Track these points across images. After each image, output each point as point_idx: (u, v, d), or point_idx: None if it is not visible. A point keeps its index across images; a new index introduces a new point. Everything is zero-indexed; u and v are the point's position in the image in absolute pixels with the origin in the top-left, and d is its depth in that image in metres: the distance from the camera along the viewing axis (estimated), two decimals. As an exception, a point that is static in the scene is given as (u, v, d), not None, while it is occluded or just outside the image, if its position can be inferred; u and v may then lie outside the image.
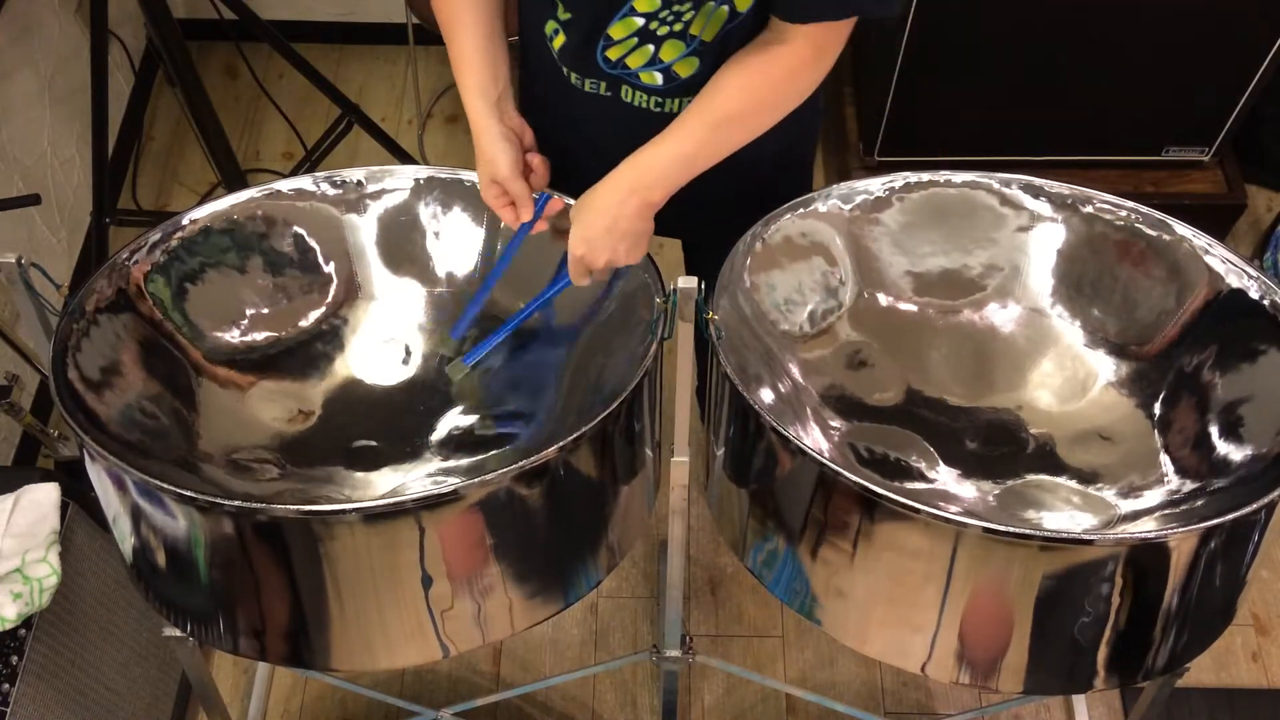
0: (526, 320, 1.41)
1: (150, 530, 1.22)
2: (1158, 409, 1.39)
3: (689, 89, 1.30)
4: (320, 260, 1.48)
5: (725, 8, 1.22)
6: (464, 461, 1.40)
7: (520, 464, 1.15)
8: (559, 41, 1.32)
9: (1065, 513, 1.36)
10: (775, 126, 1.35)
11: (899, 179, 1.45)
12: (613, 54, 1.29)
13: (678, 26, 1.24)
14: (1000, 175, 1.45)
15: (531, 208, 1.36)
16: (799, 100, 1.27)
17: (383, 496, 1.35)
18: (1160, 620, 1.22)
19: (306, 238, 1.47)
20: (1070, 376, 1.45)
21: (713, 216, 1.39)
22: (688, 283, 1.21)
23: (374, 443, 1.42)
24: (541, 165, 1.36)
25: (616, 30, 1.26)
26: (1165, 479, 1.34)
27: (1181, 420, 1.37)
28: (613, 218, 1.28)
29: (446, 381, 1.46)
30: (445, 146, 2.78)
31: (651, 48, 1.27)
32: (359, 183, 1.47)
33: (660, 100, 1.33)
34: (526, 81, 1.48)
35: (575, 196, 1.36)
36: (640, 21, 1.24)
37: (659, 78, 1.30)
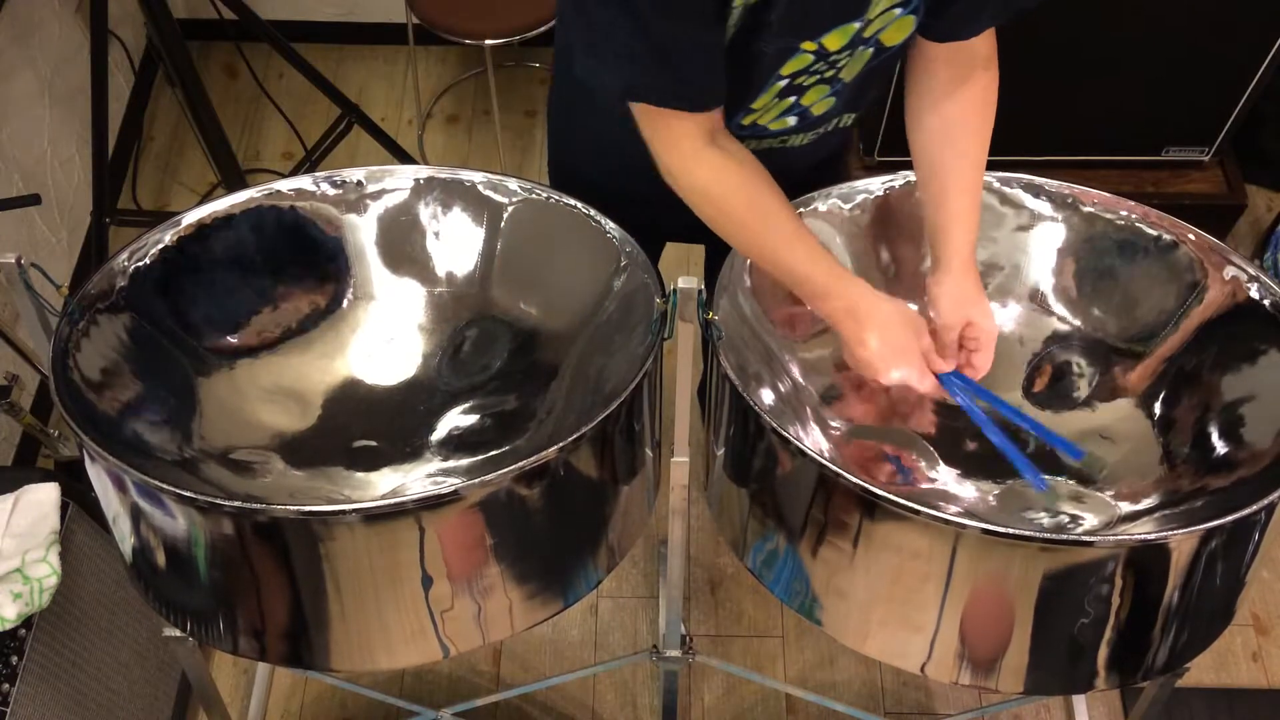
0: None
1: (150, 530, 1.22)
2: (1158, 409, 1.39)
3: (818, 124, 1.30)
4: (320, 260, 1.48)
5: (871, 49, 1.19)
6: (464, 461, 1.40)
7: (520, 464, 1.15)
8: None
9: (1065, 512, 1.35)
10: (825, 141, 1.36)
11: (899, 178, 1.45)
12: (749, 120, 1.25)
13: (829, 74, 1.20)
14: (1000, 174, 1.45)
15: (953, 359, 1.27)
16: None
17: (383, 496, 1.35)
18: (1160, 620, 1.22)
19: (306, 237, 1.47)
20: (1070, 376, 1.45)
21: None
22: (688, 283, 1.21)
23: (374, 443, 1.42)
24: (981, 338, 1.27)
25: (761, 100, 1.22)
26: (1165, 479, 1.34)
27: (1182, 420, 1.37)
28: (980, 290, 1.28)
29: (447, 381, 1.46)
30: (445, 146, 2.78)
31: (793, 98, 1.23)
32: (359, 183, 1.46)
33: (785, 139, 1.31)
34: (574, 117, 1.43)
35: (643, 231, 1.36)
36: (784, 83, 1.20)
37: (792, 121, 1.27)
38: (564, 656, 2.12)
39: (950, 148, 1.27)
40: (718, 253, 1.59)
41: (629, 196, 1.37)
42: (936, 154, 1.27)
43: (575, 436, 1.18)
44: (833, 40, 1.14)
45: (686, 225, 1.46)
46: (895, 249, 1.48)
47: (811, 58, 1.16)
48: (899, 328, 1.22)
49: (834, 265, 1.23)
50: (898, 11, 1.15)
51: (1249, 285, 1.34)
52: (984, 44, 1.24)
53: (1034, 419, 1.33)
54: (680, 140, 1.15)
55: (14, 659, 1.52)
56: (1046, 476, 1.34)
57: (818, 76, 1.21)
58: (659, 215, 1.37)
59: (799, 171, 1.40)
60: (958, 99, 1.25)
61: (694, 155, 1.16)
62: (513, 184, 1.44)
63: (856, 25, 1.13)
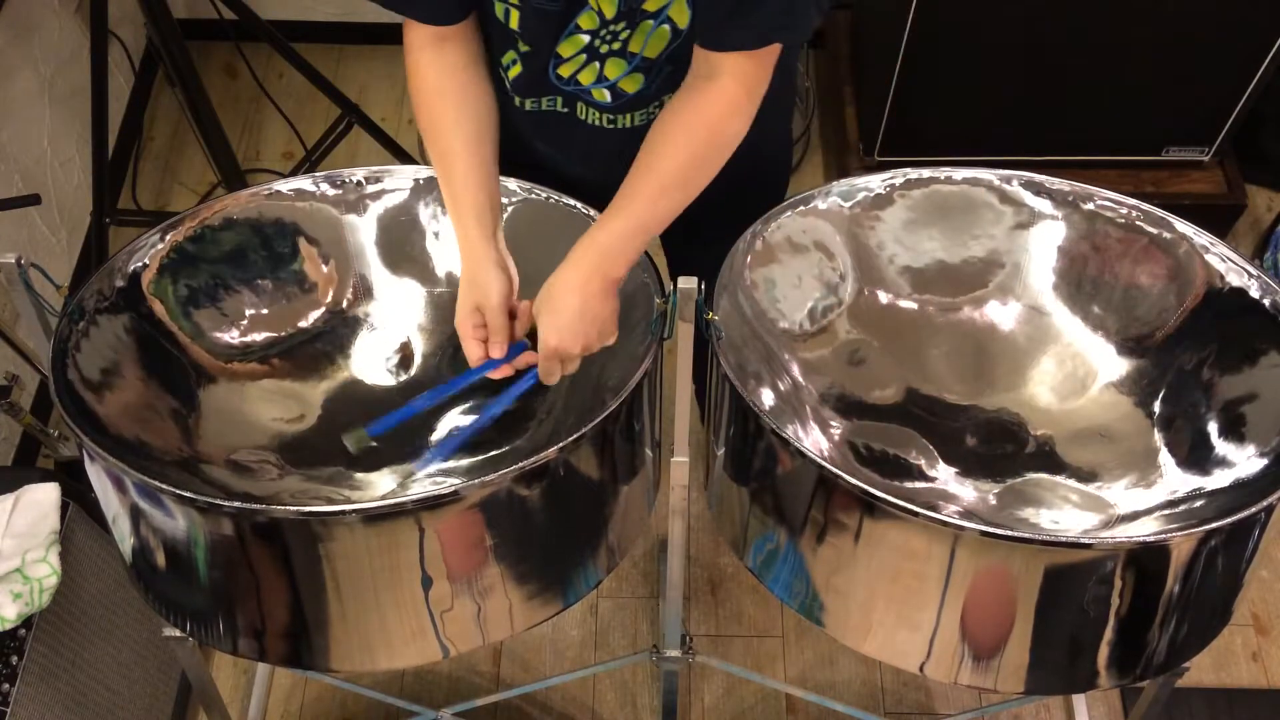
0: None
1: (150, 531, 1.22)
2: (1157, 408, 1.39)
3: (636, 105, 1.31)
4: (320, 260, 1.48)
5: (666, 26, 1.21)
6: (464, 462, 1.40)
7: (520, 464, 1.15)
8: (515, 72, 1.32)
9: (1065, 511, 1.35)
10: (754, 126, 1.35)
11: (899, 176, 1.45)
12: (564, 71, 1.29)
13: (616, 45, 1.24)
14: (1001, 172, 1.45)
15: (505, 347, 1.28)
16: (734, 144, 1.25)
17: (383, 497, 1.35)
18: (1159, 620, 1.22)
19: (306, 238, 1.47)
20: (1070, 374, 1.45)
21: (687, 217, 1.38)
22: (688, 283, 1.21)
23: (374, 443, 1.42)
24: (526, 312, 1.29)
25: (565, 48, 1.26)
26: (1165, 478, 1.34)
27: (1181, 419, 1.37)
28: (581, 302, 1.23)
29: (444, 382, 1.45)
30: (445, 146, 2.78)
31: (597, 65, 1.27)
32: (359, 183, 1.46)
33: (612, 117, 1.33)
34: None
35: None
36: (586, 39, 1.24)
37: (607, 95, 1.30)
38: (564, 656, 2.12)
39: (652, 140, 1.24)
40: (680, 253, 1.59)
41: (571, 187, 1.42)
42: (649, 140, 1.25)
43: (575, 436, 1.18)
44: (607, 5, 1.19)
45: None
46: (898, 247, 1.48)
47: (597, 19, 1.21)
48: (463, 291, 1.29)
49: (470, 206, 1.28)
50: None
51: (1249, 285, 1.34)
52: (729, 62, 1.20)
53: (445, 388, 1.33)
54: (410, 43, 1.31)
55: (14, 659, 1.52)
56: (1045, 475, 1.34)
57: (609, 46, 1.24)
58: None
59: (741, 162, 1.39)
60: (688, 96, 1.23)
61: (414, 56, 1.30)
62: (512, 184, 1.44)
63: None
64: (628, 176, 1.25)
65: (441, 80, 1.29)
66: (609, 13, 1.21)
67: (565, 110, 1.34)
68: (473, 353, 1.29)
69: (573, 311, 1.24)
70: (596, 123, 1.34)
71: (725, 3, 1.15)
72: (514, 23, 1.25)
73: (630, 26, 1.22)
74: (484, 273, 1.28)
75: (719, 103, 1.22)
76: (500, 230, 1.32)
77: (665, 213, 1.25)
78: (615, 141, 1.34)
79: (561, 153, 1.41)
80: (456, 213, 1.30)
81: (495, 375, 1.30)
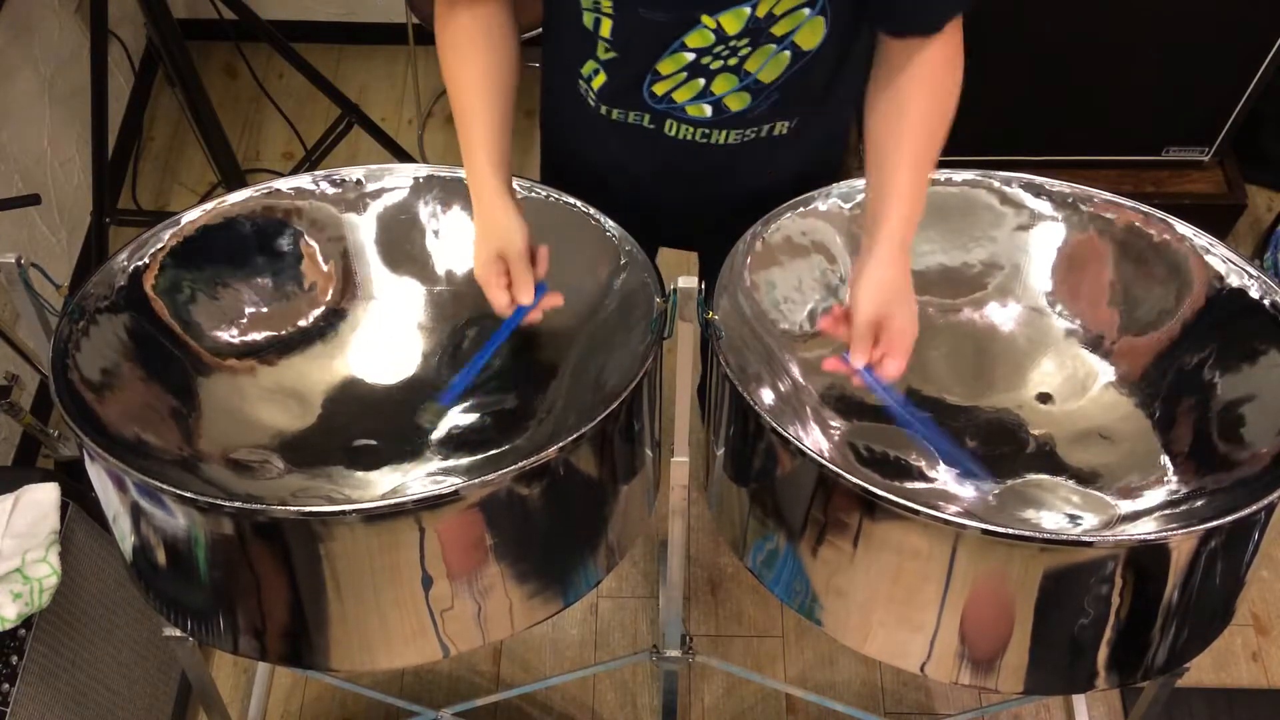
0: (523, 323, 1.40)
1: (150, 530, 1.22)
2: (1158, 408, 1.39)
3: (735, 124, 1.29)
4: (320, 259, 1.48)
5: (788, 52, 1.20)
6: (464, 461, 1.40)
7: (520, 464, 1.15)
8: (599, 81, 1.29)
9: (1065, 512, 1.35)
10: (807, 148, 1.36)
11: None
12: (659, 89, 1.27)
13: (732, 61, 1.22)
14: (1000, 174, 1.45)
15: (532, 292, 1.27)
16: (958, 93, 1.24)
17: (383, 496, 1.35)
18: (1159, 620, 1.22)
19: (306, 237, 1.47)
20: (1070, 376, 1.45)
21: (736, 233, 1.39)
22: (688, 283, 1.21)
23: (374, 442, 1.42)
24: (545, 255, 1.30)
25: (665, 66, 1.24)
26: (1165, 479, 1.34)
27: (1181, 420, 1.37)
28: (907, 281, 1.21)
29: (447, 380, 1.45)
30: (445, 146, 2.78)
31: (702, 81, 1.25)
32: (358, 181, 1.47)
33: (707, 132, 1.31)
34: (555, 104, 1.45)
35: (634, 236, 1.36)
36: (691, 57, 1.22)
37: (708, 110, 1.28)
38: (564, 656, 2.12)
39: (896, 127, 1.22)
40: (712, 260, 1.60)
41: (618, 202, 1.40)
42: (883, 134, 1.24)
43: (575, 436, 1.18)
44: (729, 22, 1.17)
45: (677, 232, 1.47)
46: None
47: (713, 37, 1.19)
48: (482, 240, 1.27)
49: (486, 156, 1.27)
50: (806, 12, 1.16)
51: (1249, 285, 1.34)
52: (940, 44, 1.19)
53: (942, 437, 1.31)
54: (438, 5, 1.26)
55: (14, 659, 1.52)
56: (1045, 476, 1.34)
57: (722, 62, 1.22)
58: (648, 220, 1.38)
59: (790, 179, 1.41)
60: (911, 83, 1.21)
61: (442, 17, 1.26)
62: (513, 183, 1.44)
63: (747, 10, 1.15)
64: (881, 164, 1.23)
65: (474, 29, 1.26)
66: (732, 29, 1.17)
67: (651, 126, 1.32)
68: (499, 301, 1.27)
69: (909, 292, 1.21)
70: (688, 137, 1.31)
71: None
72: (605, 31, 1.22)
73: (753, 46, 1.19)
74: (504, 219, 1.26)
75: (944, 66, 1.20)
76: (511, 179, 1.31)
77: (924, 176, 1.23)
78: (703, 159, 1.32)
79: (638, 169, 1.39)
80: (471, 160, 1.29)
81: (527, 320, 1.29)
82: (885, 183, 1.22)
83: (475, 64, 1.27)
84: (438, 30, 1.27)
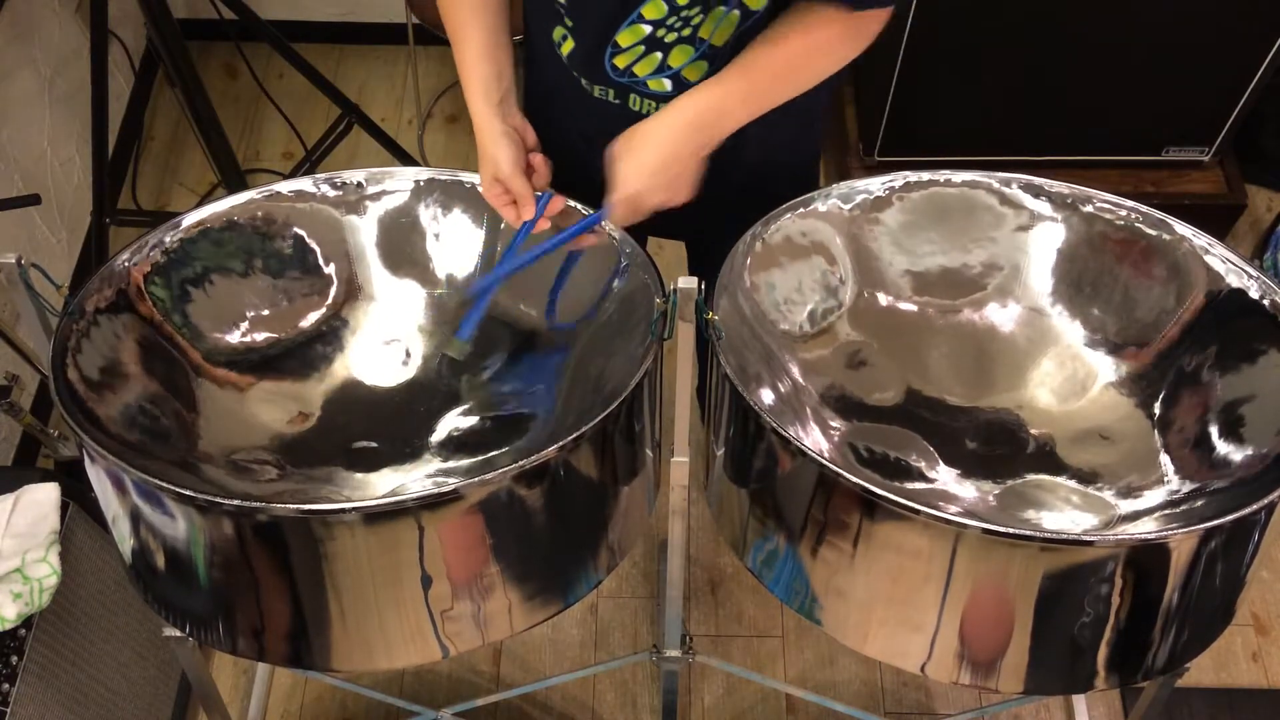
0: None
1: (150, 531, 1.22)
2: (1158, 409, 1.39)
3: None
4: (320, 261, 1.48)
5: (736, 11, 1.21)
6: (464, 462, 1.40)
7: (520, 464, 1.15)
8: (567, 47, 1.32)
9: (1065, 513, 1.36)
10: (781, 126, 1.36)
11: (899, 178, 1.45)
12: (620, 61, 1.29)
13: (686, 31, 1.24)
14: (1000, 174, 1.45)
15: (534, 206, 1.33)
16: (828, 74, 1.27)
17: (383, 496, 1.35)
18: (1160, 620, 1.22)
19: (306, 239, 1.47)
20: (1070, 376, 1.45)
21: (720, 217, 1.39)
22: (688, 283, 1.21)
23: (374, 444, 1.42)
24: (543, 164, 1.34)
25: (624, 38, 1.26)
26: (1165, 479, 1.34)
27: (1181, 420, 1.37)
28: (671, 153, 1.23)
29: (447, 382, 1.45)
30: (445, 147, 2.78)
31: (659, 55, 1.27)
32: (359, 184, 1.46)
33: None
34: (533, 84, 1.47)
35: (585, 202, 1.36)
36: (648, 29, 1.24)
37: (668, 84, 1.30)
38: (564, 656, 2.12)
39: (762, 36, 1.23)
40: (700, 250, 1.60)
41: (601, 185, 1.39)
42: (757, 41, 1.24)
43: (575, 436, 1.18)
44: None
45: (657, 221, 1.47)
46: (898, 250, 1.48)
47: (665, 7, 1.21)
48: (480, 164, 1.32)
49: (477, 83, 1.30)
50: None
51: (1249, 285, 1.34)
52: (853, 22, 1.22)
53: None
54: None
55: (14, 659, 1.52)
56: (1045, 476, 1.34)
57: (676, 34, 1.23)
58: None
59: (770, 165, 1.41)
60: (803, 25, 1.22)
61: None
62: (511, 97, 1.44)
63: None
64: (734, 60, 1.24)
65: None
66: None
67: (617, 102, 1.34)
68: (507, 215, 1.33)
69: (658, 159, 1.24)
70: (652, 113, 1.32)
71: None
72: None
73: (704, 11, 1.21)
74: (491, 144, 1.30)
75: (831, 28, 1.22)
76: (511, 99, 1.33)
77: (767, 94, 1.25)
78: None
79: (609, 144, 1.39)
80: (467, 86, 1.32)
81: (537, 229, 1.33)
82: (731, 66, 1.24)
83: None
84: None
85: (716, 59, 1.26)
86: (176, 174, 2.77)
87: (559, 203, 1.35)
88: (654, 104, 1.32)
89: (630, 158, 1.25)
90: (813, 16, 1.22)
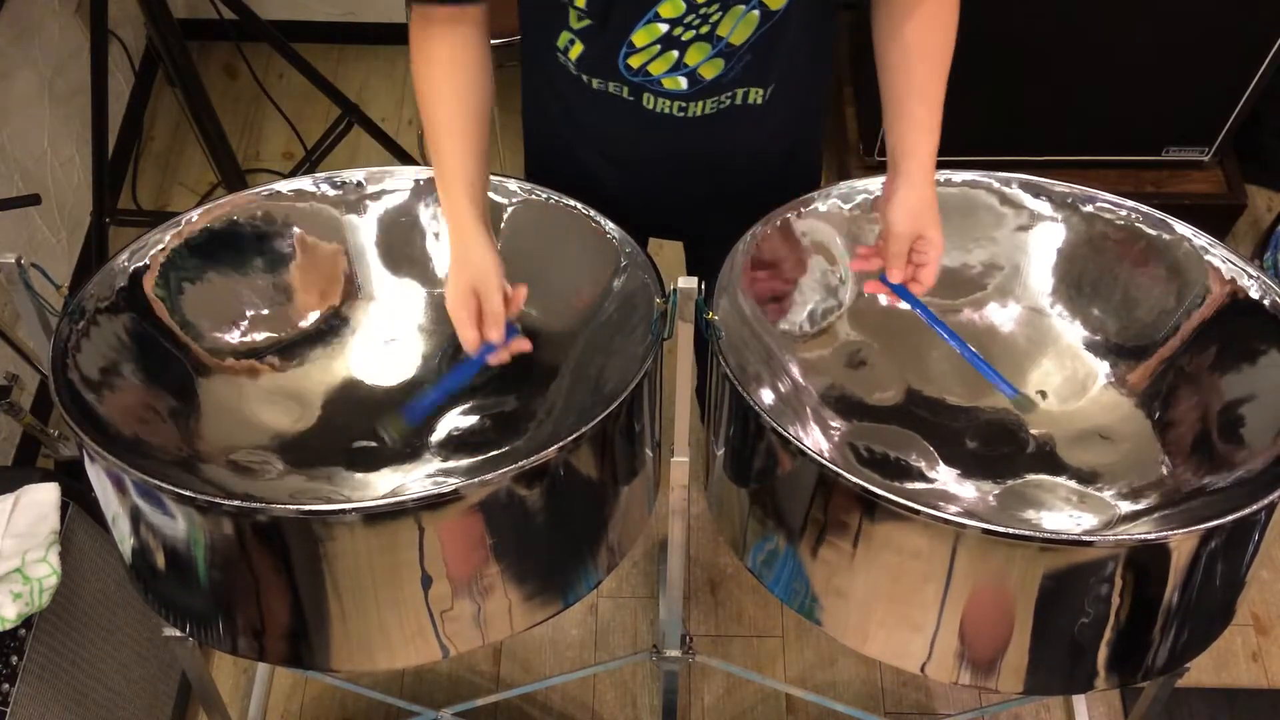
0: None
1: (150, 530, 1.22)
2: (1158, 409, 1.39)
3: (710, 92, 1.30)
4: (320, 261, 1.48)
5: (756, 12, 1.21)
6: (464, 462, 1.40)
7: (520, 464, 1.15)
8: (576, 50, 1.30)
9: (1065, 513, 1.36)
10: (783, 122, 1.36)
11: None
12: (635, 61, 1.27)
13: (704, 29, 1.23)
14: (1000, 174, 1.45)
15: (502, 331, 1.23)
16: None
17: (383, 497, 1.35)
18: (1160, 620, 1.22)
19: (306, 238, 1.47)
20: (1070, 376, 1.45)
21: (722, 215, 1.39)
22: (688, 283, 1.21)
23: (374, 443, 1.42)
24: (521, 295, 1.27)
25: (640, 37, 1.24)
26: (1165, 479, 1.34)
27: (1181, 420, 1.37)
28: (934, 199, 1.28)
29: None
30: (445, 146, 2.78)
31: (676, 53, 1.25)
32: (359, 183, 1.46)
33: (684, 105, 1.31)
34: (533, 93, 1.45)
35: (593, 205, 1.36)
36: (664, 28, 1.23)
37: (683, 82, 1.29)
38: (564, 656, 2.12)
39: (902, 55, 1.27)
40: (700, 249, 1.60)
41: (602, 187, 1.41)
42: (892, 63, 1.28)
43: (575, 436, 1.17)
44: None
45: (661, 217, 1.47)
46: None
47: (683, 5, 1.20)
48: (456, 273, 1.24)
49: (462, 189, 1.25)
50: None
51: (1249, 285, 1.34)
52: None
53: (970, 348, 1.33)
54: (414, 23, 1.25)
55: (14, 659, 1.52)
56: (1045, 476, 1.34)
57: (694, 32, 1.23)
58: (632, 206, 1.38)
59: (771, 163, 1.41)
60: (914, 20, 1.25)
61: (417, 37, 1.26)
62: (512, 184, 1.44)
63: None
64: (896, 96, 1.28)
65: (453, 54, 1.25)
66: None
67: (630, 98, 1.32)
68: (467, 337, 1.23)
69: (939, 218, 1.28)
70: (666, 110, 1.32)
71: None
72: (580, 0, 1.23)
73: (723, 10, 1.21)
74: (479, 253, 1.23)
75: (947, 8, 1.25)
76: (488, 213, 1.29)
77: (940, 97, 1.28)
78: (682, 131, 1.34)
79: (620, 144, 1.41)
80: (447, 191, 1.26)
81: (493, 360, 1.25)
82: (901, 115, 1.28)
83: (450, 89, 1.26)
84: (412, 49, 1.26)
85: (733, 57, 1.26)
86: (176, 174, 2.77)
87: (524, 344, 1.27)
88: (668, 102, 1.31)
89: (935, 226, 1.27)
90: (921, 7, 1.23)
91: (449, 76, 1.25)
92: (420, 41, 1.25)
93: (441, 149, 1.26)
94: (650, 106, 1.32)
